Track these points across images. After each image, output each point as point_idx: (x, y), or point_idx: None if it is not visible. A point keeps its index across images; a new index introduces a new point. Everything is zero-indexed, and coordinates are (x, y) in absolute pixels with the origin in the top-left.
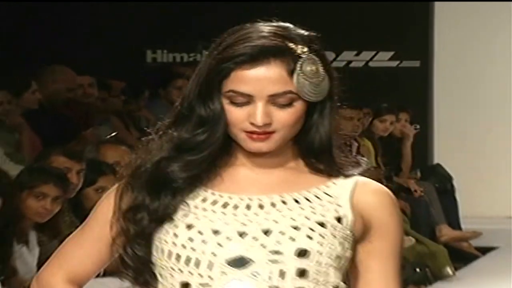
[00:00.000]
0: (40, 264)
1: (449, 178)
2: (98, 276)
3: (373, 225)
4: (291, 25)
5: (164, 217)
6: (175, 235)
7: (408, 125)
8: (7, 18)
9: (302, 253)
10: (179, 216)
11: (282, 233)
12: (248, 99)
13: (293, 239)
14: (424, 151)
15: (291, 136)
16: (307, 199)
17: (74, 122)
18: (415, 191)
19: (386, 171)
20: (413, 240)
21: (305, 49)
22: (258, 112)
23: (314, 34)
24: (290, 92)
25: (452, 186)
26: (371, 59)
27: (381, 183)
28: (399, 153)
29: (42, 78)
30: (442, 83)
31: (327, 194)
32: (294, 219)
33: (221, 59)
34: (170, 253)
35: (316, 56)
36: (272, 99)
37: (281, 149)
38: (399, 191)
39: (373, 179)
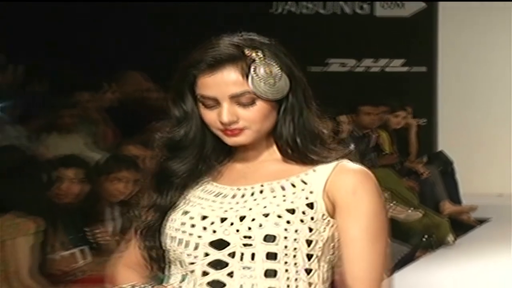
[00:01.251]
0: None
1: (450, 162)
2: None
3: (340, 201)
4: (252, 35)
5: (170, 208)
6: (173, 220)
7: (411, 117)
8: (89, 29)
9: (270, 239)
10: (180, 205)
11: (253, 219)
12: (215, 102)
13: (261, 226)
14: (430, 141)
15: (265, 130)
16: (283, 188)
17: (143, 117)
18: (422, 173)
19: (400, 156)
20: (421, 213)
21: (260, 54)
22: (223, 111)
23: (273, 41)
24: (248, 92)
25: (453, 169)
26: (386, 65)
27: (394, 167)
28: (408, 142)
29: (118, 81)
30: (445, 84)
31: (303, 181)
32: (265, 207)
33: (187, 66)
34: (170, 237)
35: (271, 60)
36: (235, 100)
37: (265, 144)
38: (410, 174)
39: (385, 164)
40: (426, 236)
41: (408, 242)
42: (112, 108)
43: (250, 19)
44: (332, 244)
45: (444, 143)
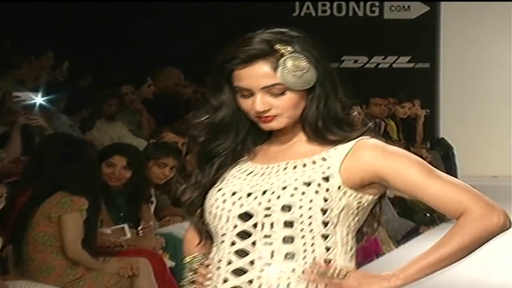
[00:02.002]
0: (154, 212)
1: (450, 148)
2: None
3: (380, 172)
4: (283, 30)
5: (210, 186)
6: (210, 197)
7: (420, 109)
8: (129, 28)
9: (286, 208)
10: (218, 183)
11: (273, 192)
12: (250, 92)
13: (279, 197)
14: (433, 129)
15: (295, 116)
16: (304, 165)
17: (179, 108)
18: (426, 157)
19: (405, 143)
20: None
21: (289, 48)
22: (257, 101)
23: (303, 35)
24: (279, 84)
25: (453, 154)
26: (394, 62)
27: None
28: (414, 130)
29: (157, 76)
30: (446, 79)
31: (323, 159)
32: (285, 181)
33: (223, 61)
34: (208, 212)
35: (300, 53)
36: (267, 91)
37: (295, 127)
38: None
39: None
40: (428, 214)
41: (413, 218)
42: (150, 100)
43: (276, 21)
44: (351, 211)
45: (445, 131)
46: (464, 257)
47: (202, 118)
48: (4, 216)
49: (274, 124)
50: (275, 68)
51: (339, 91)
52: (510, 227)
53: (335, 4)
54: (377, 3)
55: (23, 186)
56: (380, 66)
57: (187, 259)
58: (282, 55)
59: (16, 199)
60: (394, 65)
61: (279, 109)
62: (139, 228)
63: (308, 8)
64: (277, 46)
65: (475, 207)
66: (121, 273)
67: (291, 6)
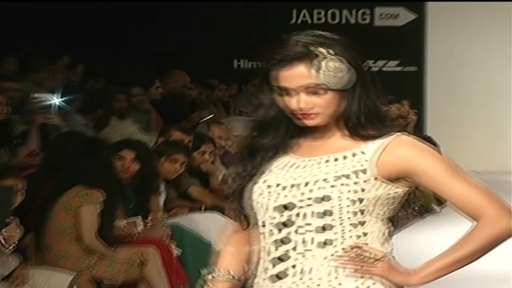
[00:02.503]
0: (164, 204)
1: (436, 146)
2: (200, 210)
3: (412, 167)
4: (323, 33)
5: (255, 177)
6: (254, 187)
7: (411, 111)
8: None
9: (327, 198)
10: (264, 176)
11: (314, 183)
12: (287, 91)
13: (320, 188)
14: (420, 127)
15: (334, 114)
16: (344, 157)
17: (185, 108)
18: None
19: None
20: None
21: (330, 51)
22: (300, 100)
23: (343, 39)
24: (316, 84)
25: (439, 151)
26: (384, 65)
27: None
28: (404, 130)
29: (166, 78)
30: (432, 81)
31: (362, 152)
32: (326, 173)
33: (263, 62)
34: (254, 201)
35: (340, 56)
36: (304, 90)
37: (334, 123)
38: None
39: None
40: (416, 206)
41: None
42: (158, 101)
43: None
44: (385, 201)
45: (431, 130)
46: (478, 258)
47: (251, 118)
48: (24, 208)
49: (316, 122)
50: (311, 69)
51: (377, 90)
52: None
53: (329, 12)
54: (368, 11)
55: (42, 180)
56: (370, 69)
57: (210, 275)
58: (324, 57)
59: (36, 192)
60: (383, 69)
61: (322, 107)
62: (148, 219)
63: (304, 16)
64: (319, 49)
65: (492, 212)
66: (131, 261)
67: (289, 14)
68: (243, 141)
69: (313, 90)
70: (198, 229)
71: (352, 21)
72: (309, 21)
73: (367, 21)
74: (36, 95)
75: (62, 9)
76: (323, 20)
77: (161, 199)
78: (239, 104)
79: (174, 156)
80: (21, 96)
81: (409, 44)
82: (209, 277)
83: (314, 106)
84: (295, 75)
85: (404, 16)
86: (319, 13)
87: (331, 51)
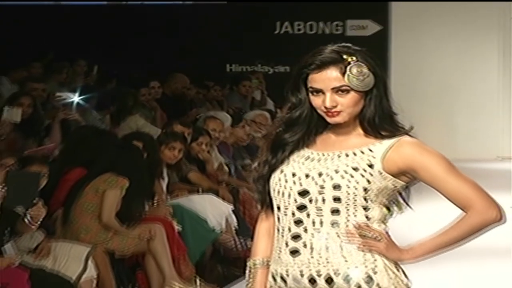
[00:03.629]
0: (166, 187)
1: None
2: (197, 192)
3: (413, 165)
4: (348, 44)
5: (276, 167)
6: (275, 176)
7: None
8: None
9: (337, 187)
10: (282, 166)
11: (327, 174)
12: (321, 92)
13: (332, 178)
14: None
15: (355, 113)
16: (354, 154)
17: (185, 105)
18: None
19: None
20: None
21: (354, 58)
22: (327, 99)
23: (363, 49)
24: (345, 86)
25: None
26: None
27: None
28: None
29: (169, 80)
30: (395, 85)
31: (370, 150)
32: (338, 166)
33: (302, 67)
34: (272, 188)
35: (362, 63)
36: (335, 91)
37: (352, 122)
38: None
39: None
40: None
41: None
42: (162, 99)
43: (261, 37)
44: (387, 191)
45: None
46: (465, 242)
47: (283, 114)
48: (47, 190)
49: (339, 119)
50: (342, 73)
51: (389, 94)
52: (505, 221)
53: (307, 24)
54: (340, 23)
55: (63, 166)
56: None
57: (251, 262)
58: (349, 63)
59: (62, 176)
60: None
61: (344, 106)
62: (154, 200)
63: (286, 27)
64: (345, 56)
65: (479, 204)
66: (141, 236)
67: (273, 25)
68: (272, 134)
69: (338, 91)
70: (196, 208)
71: (327, 31)
72: (290, 32)
73: (339, 32)
74: (58, 94)
75: (81, 20)
76: (302, 31)
77: (164, 183)
78: (231, 102)
79: (172, 144)
80: (46, 95)
81: (376, 51)
82: (252, 264)
83: (338, 105)
84: (330, 78)
85: (371, 27)
86: (299, 25)
87: (354, 58)
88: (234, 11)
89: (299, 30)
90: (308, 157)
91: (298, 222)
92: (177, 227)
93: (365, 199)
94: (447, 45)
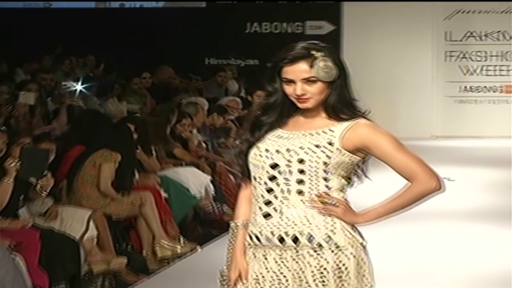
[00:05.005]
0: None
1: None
2: (181, 165)
3: (367, 143)
4: (316, 42)
5: (254, 144)
6: (253, 151)
7: None
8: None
9: (301, 161)
10: (259, 143)
11: (293, 150)
12: (292, 82)
13: (298, 154)
14: None
15: (321, 100)
16: (317, 133)
17: (171, 93)
18: None
19: None
20: None
21: (321, 54)
22: (297, 88)
23: (329, 46)
24: (313, 77)
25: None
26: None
27: None
28: None
29: (157, 71)
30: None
31: (331, 130)
32: (303, 143)
33: (277, 61)
34: (250, 162)
35: (327, 58)
36: (304, 81)
37: (317, 107)
38: None
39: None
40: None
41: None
42: (151, 88)
43: (234, 35)
44: (344, 165)
45: None
46: (410, 208)
47: (261, 100)
48: (55, 164)
49: (307, 104)
50: (311, 66)
51: (350, 84)
52: (444, 190)
53: (273, 24)
54: (301, 24)
55: (68, 144)
56: None
57: (233, 224)
58: (316, 58)
59: (66, 152)
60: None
61: (311, 94)
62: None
63: (255, 27)
64: (313, 52)
65: (423, 175)
66: (133, 202)
67: (244, 25)
68: (253, 116)
69: (307, 81)
70: (180, 179)
71: (290, 30)
72: (259, 31)
73: (300, 31)
74: (64, 83)
75: (83, 19)
76: (268, 30)
77: (153, 157)
78: (209, 90)
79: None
80: (54, 84)
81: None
82: (234, 226)
83: (307, 93)
84: (300, 70)
85: (326, 27)
86: (266, 25)
87: (321, 54)
88: (212, 13)
89: (266, 29)
90: (280, 136)
91: (270, 191)
92: (164, 195)
93: (325, 171)
94: (389, 41)
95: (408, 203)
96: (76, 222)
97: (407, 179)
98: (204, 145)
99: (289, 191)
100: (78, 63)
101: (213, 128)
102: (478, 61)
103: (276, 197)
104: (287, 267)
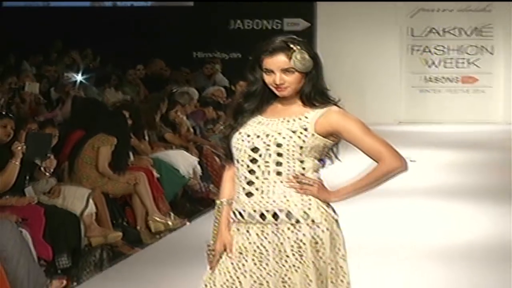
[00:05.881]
0: (149, 144)
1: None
2: (171, 148)
3: (338, 128)
4: (293, 36)
5: (236, 129)
6: (235, 136)
7: None
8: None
9: (279, 145)
10: (241, 128)
11: (272, 135)
12: (272, 72)
13: (275, 138)
14: None
15: (298, 89)
16: (293, 120)
17: (162, 83)
18: None
19: None
20: None
21: (298, 47)
22: (277, 78)
23: (305, 40)
24: (291, 68)
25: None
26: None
27: None
28: None
29: (150, 64)
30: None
31: (305, 117)
32: (280, 129)
33: (258, 52)
34: (233, 146)
35: (304, 51)
36: (283, 71)
37: (294, 96)
38: None
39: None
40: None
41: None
42: (144, 78)
43: (219, 31)
44: (318, 148)
45: None
46: (378, 186)
47: (244, 88)
48: (57, 147)
49: (285, 93)
50: (289, 58)
51: (323, 74)
52: (407, 169)
53: (254, 21)
54: (279, 21)
55: (70, 129)
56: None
57: (219, 202)
58: (294, 51)
59: (68, 136)
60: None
61: (289, 83)
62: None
63: (238, 24)
64: (291, 45)
65: (388, 156)
66: (128, 182)
67: (228, 22)
68: (236, 104)
69: (285, 71)
70: (170, 161)
71: (269, 27)
72: (241, 27)
73: (279, 28)
74: (67, 74)
75: (80, 16)
76: (250, 27)
77: (146, 142)
78: (197, 81)
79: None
80: (57, 75)
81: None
82: (219, 203)
83: (285, 82)
84: (279, 61)
85: (302, 24)
86: (248, 22)
87: (298, 47)
88: (199, 12)
89: (248, 26)
90: (260, 122)
91: (251, 172)
92: (156, 175)
93: (300, 154)
94: (359, 37)
95: (375, 181)
96: (76, 199)
97: (374, 160)
98: (192, 130)
99: (268, 172)
100: (78, 56)
101: (204, 115)
102: (439, 54)
103: (257, 177)
104: (268, 241)
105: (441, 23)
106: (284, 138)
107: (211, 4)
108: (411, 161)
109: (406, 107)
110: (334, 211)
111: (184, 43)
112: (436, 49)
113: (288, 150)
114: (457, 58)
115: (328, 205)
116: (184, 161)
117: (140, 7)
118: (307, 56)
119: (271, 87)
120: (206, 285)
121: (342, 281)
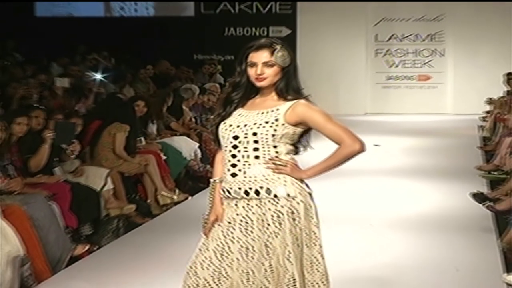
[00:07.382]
0: (157, 131)
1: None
2: (176, 135)
3: (304, 118)
4: (275, 37)
5: (223, 119)
6: (221, 125)
7: None
8: (142, 37)
9: (255, 134)
10: (226, 119)
11: (249, 125)
12: (255, 65)
13: (252, 128)
14: None
15: (275, 81)
16: (267, 112)
17: (168, 81)
18: None
19: None
20: None
21: (279, 46)
22: (258, 68)
23: (284, 42)
24: (271, 61)
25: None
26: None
27: None
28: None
29: (157, 64)
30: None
31: (277, 109)
32: (256, 120)
33: (246, 48)
34: (220, 134)
35: (284, 50)
36: (264, 64)
37: (270, 91)
38: None
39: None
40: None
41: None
42: (153, 77)
43: (216, 38)
44: (289, 136)
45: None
46: (341, 165)
47: (231, 80)
48: (81, 134)
49: (264, 83)
50: (271, 53)
51: (297, 71)
52: (364, 150)
53: (245, 29)
54: (265, 28)
55: (92, 119)
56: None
57: (212, 180)
58: (275, 48)
59: (88, 125)
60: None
61: (268, 75)
62: (148, 139)
63: (231, 31)
64: (274, 44)
65: (348, 140)
66: (140, 163)
67: (223, 30)
68: (225, 95)
69: (266, 64)
70: (175, 145)
71: (257, 34)
72: (234, 34)
73: (265, 34)
74: (88, 73)
75: (97, 25)
76: (241, 34)
77: (154, 128)
78: (197, 79)
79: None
80: (81, 74)
81: (288, 46)
82: (213, 181)
83: (264, 73)
84: (263, 56)
85: (285, 31)
86: (239, 30)
87: (279, 46)
88: (198, 21)
89: (239, 33)
90: (241, 114)
91: (234, 156)
92: (163, 157)
93: (273, 140)
94: (333, 42)
95: (338, 161)
96: (97, 178)
97: (336, 143)
98: (194, 120)
99: (248, 156)
100: (98, 58)
101: (201, 107)
102: (399, 56)
103: (238, 160)
104: (252, 212)
105: (401, 30)
106: (258, 127)
107: (209, 14)
108: (376, 145)
109: (371, 101)
110: (308, 186)
111: (186, 47)
112: (397, 52)
113: (262, 138)
114: (414, 59)
115: (302, 181)
116: (187, 146)
117: (151, 18)
118: (286, 54)
119: (252, 79)
120: (200, 249)
121: (314, 244)
